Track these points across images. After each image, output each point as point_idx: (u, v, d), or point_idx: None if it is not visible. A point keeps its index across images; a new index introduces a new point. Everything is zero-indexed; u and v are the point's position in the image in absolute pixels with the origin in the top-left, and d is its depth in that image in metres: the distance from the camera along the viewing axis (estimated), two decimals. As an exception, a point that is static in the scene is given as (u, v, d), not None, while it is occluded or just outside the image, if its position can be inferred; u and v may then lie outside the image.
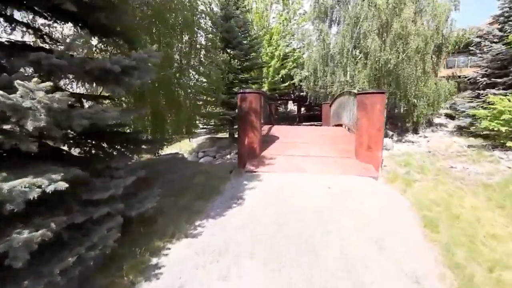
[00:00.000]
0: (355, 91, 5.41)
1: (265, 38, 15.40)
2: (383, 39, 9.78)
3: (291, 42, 16.98)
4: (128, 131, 4.36)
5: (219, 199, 3.48)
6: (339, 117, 8.27)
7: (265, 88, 15.61)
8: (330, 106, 9.35)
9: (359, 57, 11.44)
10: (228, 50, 10.80)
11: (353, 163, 4.88)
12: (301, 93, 17.31)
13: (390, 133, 10.81)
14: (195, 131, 9.14)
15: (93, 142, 3.13)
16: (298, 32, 16.26)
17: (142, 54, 2.72)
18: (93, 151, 3.10)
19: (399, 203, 3.48)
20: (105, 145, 3.35)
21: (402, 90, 10.55)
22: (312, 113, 20.34)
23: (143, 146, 3.78)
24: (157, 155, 5.75)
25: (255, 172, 4.59)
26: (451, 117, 15.74)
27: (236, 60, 11.27)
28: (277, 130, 7.01)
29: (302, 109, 21.82)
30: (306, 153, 5.24)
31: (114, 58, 2.46)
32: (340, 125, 8.23)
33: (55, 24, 3.43)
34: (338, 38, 10.92)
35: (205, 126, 12.53)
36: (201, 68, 7.13)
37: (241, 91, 4.96)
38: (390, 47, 9.43)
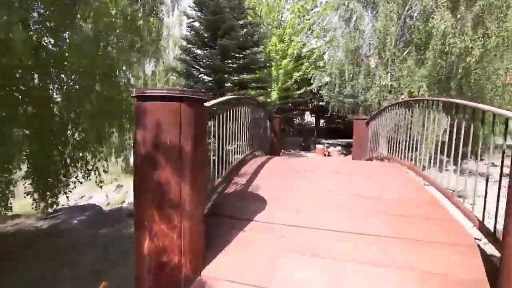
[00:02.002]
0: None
1: (276, 33, 12.23)
2: (458, 16, 6.11)
3: (309, 40, 13.65)
4: None
5: None
6: (385, 145, 4.74)
7: (274, 95, 12.29)
8: (368, 124, 5.82)
9: (406, 51, 7.87)
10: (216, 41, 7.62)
11: None
12: (320, 103, 14.01)
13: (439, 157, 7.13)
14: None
15: None
16: (318, 25, 12.90)
17: None
18: None
19: None
20: None
21: (479, 98, 6.75)
22: (333, 126, 16.83)
23: None
24: None
25: None
26: (517, 135, 11.89)
27: (228, 55, 8.02)
28: (273, 171, 3.58)
29: (322, 121, 18.33)
30: (337, 282, 1.76)
31: None
32: (382, 158, 4.64)
33: None
34: (378, 23, 7.38)
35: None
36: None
37: (136, 92, 1.62)
38: (473, 28, 5.78)
